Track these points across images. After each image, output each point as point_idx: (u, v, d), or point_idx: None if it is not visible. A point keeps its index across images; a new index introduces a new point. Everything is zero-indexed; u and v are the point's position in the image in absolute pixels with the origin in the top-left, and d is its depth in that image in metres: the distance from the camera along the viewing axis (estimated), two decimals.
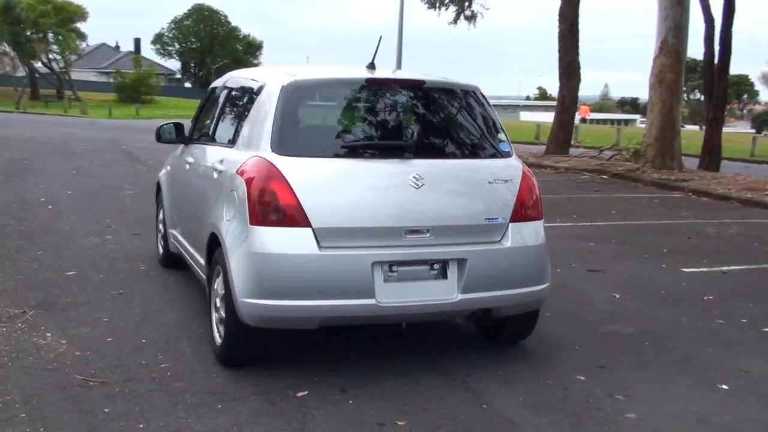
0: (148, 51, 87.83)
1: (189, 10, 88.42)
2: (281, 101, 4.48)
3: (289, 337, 4.91)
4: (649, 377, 4.70)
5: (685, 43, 17.57)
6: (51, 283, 6.38)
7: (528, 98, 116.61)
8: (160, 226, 7.09)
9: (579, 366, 4.85)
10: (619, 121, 77.68)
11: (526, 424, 3.96)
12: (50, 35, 59.19)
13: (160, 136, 6.36)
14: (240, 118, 5.03)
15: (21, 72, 63.07)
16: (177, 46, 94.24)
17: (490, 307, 4.60)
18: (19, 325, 5.28)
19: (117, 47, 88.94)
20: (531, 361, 4.93)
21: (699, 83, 46.67)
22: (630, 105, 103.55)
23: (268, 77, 4.81)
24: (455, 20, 27.01)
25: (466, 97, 4.87)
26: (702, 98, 37.07)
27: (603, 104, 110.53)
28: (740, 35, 20.14)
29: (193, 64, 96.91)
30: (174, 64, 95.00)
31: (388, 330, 5.05)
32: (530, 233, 4.72)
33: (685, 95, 58.87)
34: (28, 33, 56.03)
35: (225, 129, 5.34)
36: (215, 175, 4.90)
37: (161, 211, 7.11)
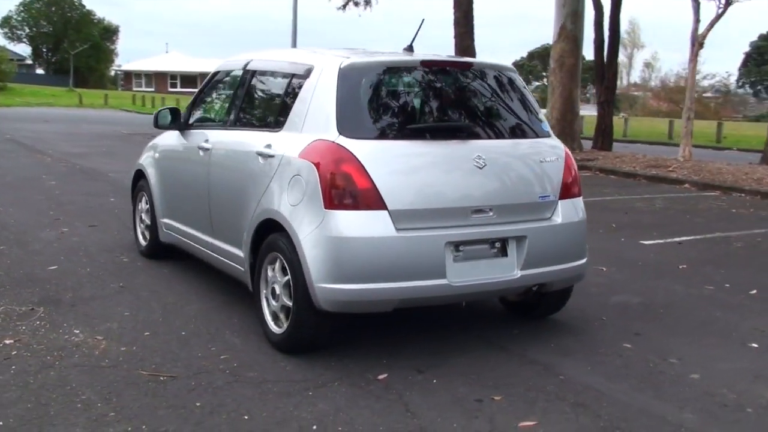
0: None
1: None
2: (341, 83, 4.43)
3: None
4: (684, 341, 5.00)
5: (582, 29, 18.43)
6: (38, 278, 6.00)
7: None
8: (143, 216, 6.79)
9: (617, 335, 5.09)
10: None
11: (610, 390, 4.14)
12: None
13: (157, 122, 6.10)
14: (283, 101, 4.90)
15: None
16: (27, 30, 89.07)
17: (545, 282, 4.75)
18: (37, 323, 4.96)
19: None
20: (572, 332, 5.13)
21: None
22: None
23: (316, 60, 4.72)
24: (344, 6, 27.02)
25: (507, 78, 4.97)
26: None
27: None
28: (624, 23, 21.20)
29: (45, 50, 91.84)
30: (24, 49, 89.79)
31: (419, 311, 5.07)
32: (575, 209, 4.90)
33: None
34: None
35: (259, 112, 5.20)
36: (261, 160, 4.77)
37: (143, 200, 6.81)
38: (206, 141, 5.56)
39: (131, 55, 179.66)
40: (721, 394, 4.15)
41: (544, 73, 75.20)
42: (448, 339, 4.90)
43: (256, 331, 4.88)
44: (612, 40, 20.13)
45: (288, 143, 4.58)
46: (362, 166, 4.20)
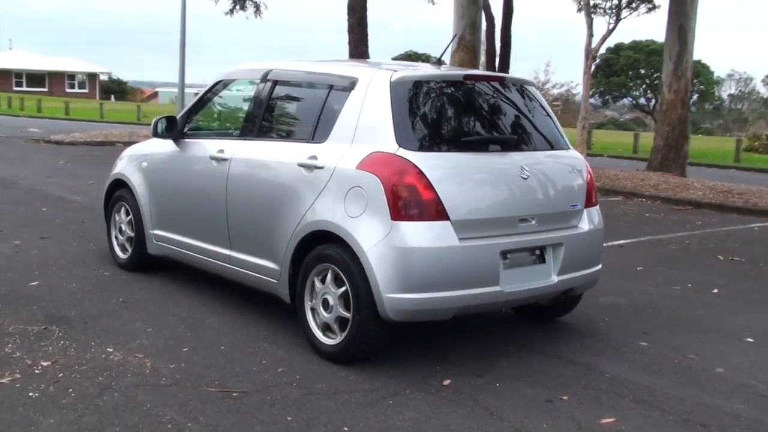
0: None
1: None
2: (394, 96, 4.52)
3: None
4: (689, 339, 5.42)
5: (480, 40, 19.08)
6: (27, 296, 5.67)
7: None
8: (124, 227, 6.55)
9: (628, 334, 5.44)
10: None
11: (657, 386, 4.45)
12: None
13: (157, 130, 5.94)
14: (323, 112, 4.89)
15: None
16: None
17: (574, 286, 5.03)
18: (62, 342, 4.73)
19: None
20: (587, 334, 5.43)
21: None
22: None
23: (360, 72, 4.77)
24: (231, 11, 26.61)
25: (529, 91, 5.21)
26: None
27: None
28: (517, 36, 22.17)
29: None
30: None
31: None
32: (596, 217, 5.21)
33: None
34: None
35: (291, 123, 5.18)
36: (304, 171, 4.76)
37: (122, 211, 6.57)
38: (220, 151, 5.46)
39: None
40: (751, 384, 4.56)
41: None
42: (479, 343, 5.07)
43: (294, 342, 4.88)
44: (503, 51, 20.99)
45: (338, 155, 4.61)
46: (426, 177, 4.32)
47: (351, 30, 22.48)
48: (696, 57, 18.08)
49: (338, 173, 4.57)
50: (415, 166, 4.33)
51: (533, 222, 4.75)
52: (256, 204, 5.12)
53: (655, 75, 52.15)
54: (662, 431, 3.87)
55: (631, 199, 13.71)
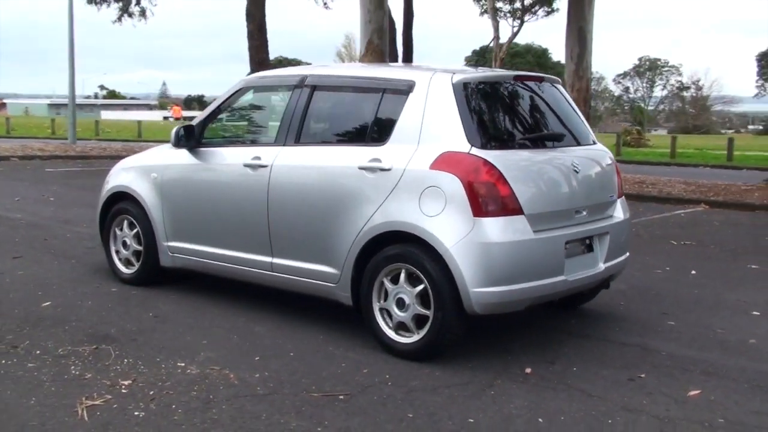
0: None
1: None
2: (458, 97, 4.66)
3: None
4: (704, 316, 5.82)
5: (386, 44, 19.37)
6: (47, 316, 5.39)
7: (96, 96, 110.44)
8: (128, 241, 6.32)
9: (650, 316, 5.79)
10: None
11: (712, 359, 4.79)
12: None
13: (179, 140, 5.81)
14: (378, 115, 4.93)
15: None
16: None
17: (614, 273, 5.33)
18: (125, 360, 4.56)
19: None
20: (616, 317, 5.75)
21: None
22: (197, 102, 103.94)
23: (417, 75, 4.85)
24: (119, 18, 25.79)
25: (559, 89, 5.46)
26: None
27: (162, 102, 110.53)
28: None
29: None
30: None
31: None
32: (626, 207, 5.54)
33: None
34: None
35: (341, 128, 5.20)
36: (368, 174, 4.80)
37: (124, 224, 6.34)
38: (256, 158, 5.39)
39: None
40: None
41: None
42: (528, 334, 5.28)
43: (357, 344, 4.92)
44: (406, 54, 21.39)
45: (405, 156, 4.68)
46: (501, 174, 4.48)
47: (251, 36, 22.31)
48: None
49: (409, 174, 4.64)
50: (491, 164, 4.48)
51: (584, 213, 5.00)
52: (306, 209, 5.10)
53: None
54: (746, 398, 4.20)
55: None
